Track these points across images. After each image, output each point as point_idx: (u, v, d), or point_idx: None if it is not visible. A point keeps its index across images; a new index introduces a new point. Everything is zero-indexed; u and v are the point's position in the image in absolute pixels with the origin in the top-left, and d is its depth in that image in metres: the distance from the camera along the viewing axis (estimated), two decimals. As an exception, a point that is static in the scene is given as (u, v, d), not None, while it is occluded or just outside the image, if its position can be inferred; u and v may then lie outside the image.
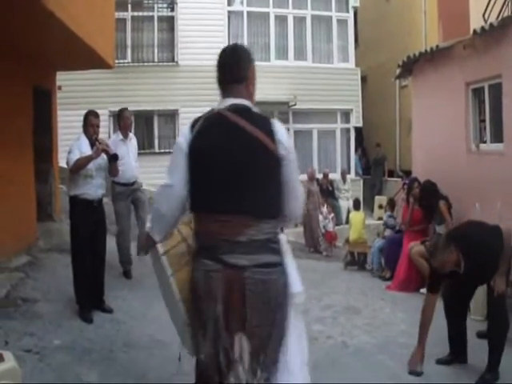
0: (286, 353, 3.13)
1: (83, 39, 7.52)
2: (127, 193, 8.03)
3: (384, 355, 5.91)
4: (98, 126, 6.60)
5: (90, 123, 6.51)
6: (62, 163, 7.82)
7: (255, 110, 3.32)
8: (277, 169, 3.10)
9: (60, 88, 12.46)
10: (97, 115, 6.64)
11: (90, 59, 9.08)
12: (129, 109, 16.21)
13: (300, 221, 12.66)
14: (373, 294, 8.62)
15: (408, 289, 8.80)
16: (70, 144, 6.52)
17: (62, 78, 12.25)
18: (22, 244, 8.10)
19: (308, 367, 3.29)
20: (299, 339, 3.24)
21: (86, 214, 6.40)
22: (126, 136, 8.11)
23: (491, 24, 8.25)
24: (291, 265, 3.19)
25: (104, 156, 6.46)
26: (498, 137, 8.44)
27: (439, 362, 5.83)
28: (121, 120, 8.18)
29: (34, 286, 6.98)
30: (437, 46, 9.87)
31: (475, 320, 7.10)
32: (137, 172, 8.20)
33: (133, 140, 8.35)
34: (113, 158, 6.53)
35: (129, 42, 17.53)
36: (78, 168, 6.28)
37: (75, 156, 6.30)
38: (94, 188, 6.47)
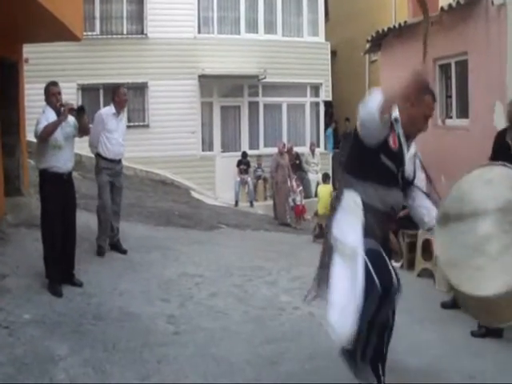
0: None
1: (50, 11, 7.38)
2: (111, 171, 7.95)
3: (351, 325, 6.00)
4: (59, 94, 6.53)
5: (51, 93, 6.46)
6: (30, 137, 7.74)
7: None
8: None
9: (27, 61, 12.28)
10: (56, 84, 6.58)
11: (57, 31, 8.93)
12: (97, 81, 16.33)
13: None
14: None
15: (375, 260, 8.92)
16: (37, 117, 6.46)
17: (29, 50, 12.06)
18: (-10, 219, 8.05)
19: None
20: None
21: (55, 188, 6.39)
22: (119, 112, 8.03)
23: (458, 2, 8.33)
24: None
25: (71, 122, 6.45)
26: (463, 112, 8.57)
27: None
28: (116, 96, 8.07)
29: (2, 261, 6.94)
30: (405, 22, 9.93)
31: (439, 291, 7.28)
32: (123, 150, 8.14)
33: (123, 119, 8.32)
34: (80, 110, 6.49)
35: (97, 14, 17.25)
36: (46, 134, 6.22)
37: (43, 125, 6.26)
38: (63, 161, 6.44)
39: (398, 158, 3.93)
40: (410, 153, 4.04)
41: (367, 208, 3.87)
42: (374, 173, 3.89)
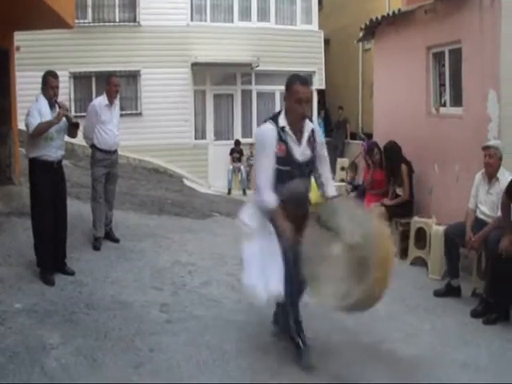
0: None
1: (41, -3, 7.32)
2: (107, 162, 7.87)
3: (343, 314, 5.97)
4: (57, 88, 6.47)
5: (49, 85, 6.38)
6: (22, 125, 7.67)
7: None
8: None
9: (18, 49, 12.18)
10: (56, 76, 6.49)
11: (49, 19, 8.83)
12: (89, 69, 16.24)
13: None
14: (333, 255, 8.72)
15: (368, 249, 8.92)
16: (29, 106, 6.39)
17: (21, 38, 11.96)
18: (-19, 207, 8.00)
19: None
20: None
21: (46, 176, 6.35)
22: (111, 102, 7.92)
23: (452, -11, 8.29)
24: None
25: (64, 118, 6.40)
26: (457, 101, 8.55)
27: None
28: (108, 85, 7.99)
29: (-7, 250, 6.94)
30: (399, 10, 9.87)
31: (432, 279, 7.28)
32: (118, 140, 8.06)
33: (117, 107, 8.19)
34: (74, 126, 6.48)
35: (89, 2, 17.07)
36: (39, 133, 6.20)
37: (35, 120, 6.20)
38: (54, 149, 6.40)
39: (288, 158, 4.68)
40: (305, 139, 4.73)
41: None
42: (278, 176, 4.68)
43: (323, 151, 4.93)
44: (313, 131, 4.81)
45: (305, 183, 4.86)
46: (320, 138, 4.91)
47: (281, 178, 4.67)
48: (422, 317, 5.99)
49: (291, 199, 4.72)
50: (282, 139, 4.66)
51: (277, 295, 4.51)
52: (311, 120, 4.88)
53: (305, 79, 4.77)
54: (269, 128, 4.71)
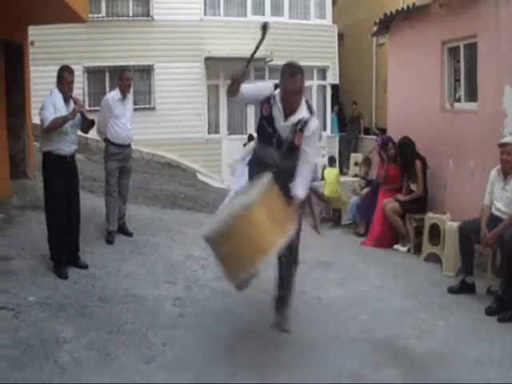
0: None
1: (55, -9, 7.34)
2: (120, 156, 7.87)
3: (357, 309, 5.99)
4: (72, 83, 6.47)
5: (65, 80, 6.37)
6: (36, 120, 7.69)
7: None
8: None
9: (33, 43, 12.23)
10: (71, 71, 6.49)
11: (62, 13, 8.85)
12: (103, 64, 16.27)
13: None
14: (347, 250, 8.71)
15: (382, 244, 8.92)
16: (43, 100, 6.38)
17: (35, 32, 12.00)
18: (-5, 201, 8.03)
19: None
20: None
21: (59, 169, 6.36)
22: (124, 96, 7.91)
23: (467, -17, 8.22)
24: None
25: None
26: (472, 96, 8.48)
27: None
28: (120, 80, 7.99)
29: (8, 243, 6.94)
30: (413, 4, 9.80)
31: (446, 276, 7.24)
32: (131, 134, 8.06)
33: (130, 101, 8.19)
34: (90, 124, 6.51)
35: (103, -4, 17.12)
36: (54, 128, 6.20)
37: (50, 113, 6.19)
38: (67, 144, 6.41)
39: (270, 121, 5.01)
40: (291, 122, 4.95)
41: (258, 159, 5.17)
42: (259, 134, 5.22)
43: (306, 147, 4.99)
44: (305, 122, 4.95)
45: (276, 157, 5.04)
46: (309, 132, 4.97)
47: (263, 136, 5.13)
48: (435, 313, 5.95)
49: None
50: (269, 102, 5.01)
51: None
52: (311, 110, 5.05)
53: (295, 69, 4.93)
54: (269, 84, 5.19)
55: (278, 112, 4.98)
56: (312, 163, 5.14)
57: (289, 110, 4.96)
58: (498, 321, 5.77)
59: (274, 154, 5.05)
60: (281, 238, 4.37)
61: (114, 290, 6.10)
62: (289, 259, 5.25)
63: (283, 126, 4.98)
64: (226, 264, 4.56)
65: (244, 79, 5.03)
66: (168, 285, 6.39)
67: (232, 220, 4.32)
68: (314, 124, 5.02)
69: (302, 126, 4.96)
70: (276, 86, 5.04)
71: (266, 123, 5.07)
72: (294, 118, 4.95)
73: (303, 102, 5.01)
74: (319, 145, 5.12)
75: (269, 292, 5.89)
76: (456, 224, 7.21)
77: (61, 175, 6.38)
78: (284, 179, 4.86)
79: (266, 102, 5.04)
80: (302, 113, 4.96)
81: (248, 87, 5.08)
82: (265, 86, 5.16)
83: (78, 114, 6.36)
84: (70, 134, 6.41)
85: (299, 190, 4.91)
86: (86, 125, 6.53)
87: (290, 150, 5.02)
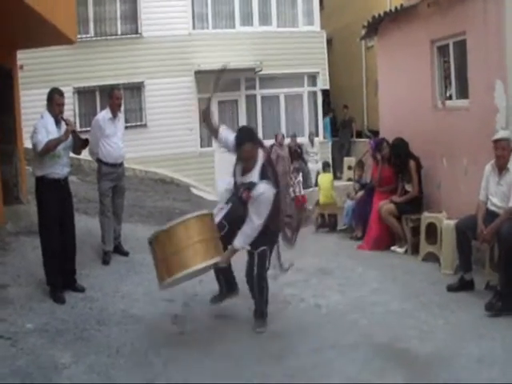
0: None
1: (43, 14, 7.28)
2: (113, 175, 7.85)
3: (357, 314, 5.96)
4: (63, 105, 6.47)
5: (55, 102, 6.37)
6: (28, 144, 7.67)
7: None
8: None
9: (22, 67, 12.24)
10: (61, 93, 6.49)
11: (50, 35, 8.84)
12: (93, 84, 16.27)
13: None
14: (344, 255, 8.68)
15: (379, 247, 8.89)
16: (35, 124, 6.38)
17: (24, 56, 12.03)
18: (-11, 229, 7.99)
19: None
20: None
21: (53, 193, 6.34)
22: (115, 115, 7.90)
23: (455, -20, 8.22)
24: None
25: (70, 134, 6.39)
26: (463, 93, 8.47)
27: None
28: (110, 99, 7.97)
29: (3, 271, 6.89)
30: (401, 5, 9.80)
31: (445, 274, 7.21)
32: (123, 152, 8.04)
33: (121, 120, 8.19)
34: (83, 143, 6.51)
35: (91, 16, 17.07)
36: (47, 151, 6.18)
37: (43, 137, 6.18)
38: (60, 167, 6.40)
39: (234, 170, 5.66)
40: (245, 180, 5.45)
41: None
42: None
43: (252, 208, 5.31)
44: (253, 184, 5.30)
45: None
46: (256, 195, 5.26)
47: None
48: (435, 313, 5.91)
49: None
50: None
51: None
52: (264, 175, 5.33)
53: (242, 139, 5.35)
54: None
55: (239, 166, 5.54)
56: (255, 225, 5.30)
57: (246, 169, 5.43)
58: (493, 315, 5.73)
59: (236, 200, 5.57)
60: (204, 262, 5.16)
61: (111, 311, 6.07)
62: (249, 275, 5.60)
63: (239, 180, 5.50)
64: (156, 265, 5.32)
65: (209, 113, 5.74)
66: (166, 303, 6.36)
67: (167, 227, 5.24)
68: (261, 188, 5.26)
69: (251, 186, 5.30)
70: None
71: (233, 170, 5.62)
72: (246, 178, 5.40)
73: (258, 166, 5.36)
74: (265, 211, 5.37)
75: (270, 303, 5.91)
76: (452, 222, 7.18)
77: (55, 199, 6.35)
78: (236, 222, 5.42)
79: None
80: (254, 176, 5.34)
81: (224, 135, 5.70)
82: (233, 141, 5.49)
83: (70, 136, 6.35)
84: (63, 156, 6.40)
85: (236, 241, 5.33)
86: (80, 145, 6.51)
87: (242, 203, 5.41)
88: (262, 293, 5.62)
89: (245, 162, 5.41)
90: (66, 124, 6.34)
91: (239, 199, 5.46)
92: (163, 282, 5.21)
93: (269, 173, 5.38)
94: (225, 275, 5.89)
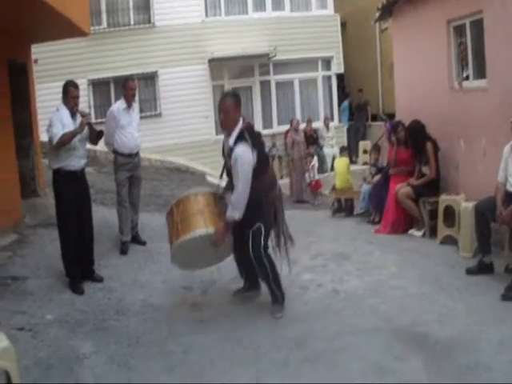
0: None
1: (56, 7, 7.31)
2: (129, 166, 7.87)
3: (376, 299, 5.93)
4: (78, 97, 6.47)
5: (70, 95, 6.37)
6: (44, 137, 7.70)
7: None
8: None
9: (36, 61, 12.30)
10: (76, 86, 6.50)
11: (64, 28, 8.86)
12: (107, 75, 16.30)
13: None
14: (362, 239, 8.63)
15: (397, 231, 8.84)
16: (50, 117, 6.39)
17: (38, 50, 12.09)
18: (8, 222, 8.04)
19: None
20: None
21: (70, 185, 6.36)
22: (129, 106, 7.89)
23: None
24: None
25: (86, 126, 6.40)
26: (480, 74, 8.35)
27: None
28: (124, 90, 7.96)
29: (22, 263, 6.96)
30: (416, -14, 9.70)
31: (464, 257, 7.14)
32: (139, 142, 8.05)
33: (136, 110, 8.17)
34: (99, 135, 6.50)
35: (103, 7, 17.14)
36: (63, 144, 6.19)
37: (58, 130, 6.19)
38: (76, 159, 6.41)
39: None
40: (227, 146, 5.51)
41: None
42: None
43: (233, 175, 5.43)
44: (231, 148, 5.39)
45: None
46: (233, 159, 5.33)
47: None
48: (455, 296, 5.86)
49: None
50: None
51: None
52: (241, 139, 5.37)
53: (225, 94, 5.83)
54: None
55: (225, 137, 5.66)
56: (239, 191, 5.32)
57: (226, 133, 5.60)
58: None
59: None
60: (210, 228, 5.35)
61: (130, 301, 6.10)
62: (247, 258, 5.61)
63: (226, 149, 5.60)
64: (168, 228, 5.66)
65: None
66: (184, 291, 6.38)
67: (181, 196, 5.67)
68: (237, 151, 5.32)
69: (230, 152, 5.39)
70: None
71: (222, 147, 5.81)
72: (227, 143, 5.52)
73: (236, 130, 5.45)
74: (245, 174, 5.39)
75: (288, 288, 5.89)
76: (471, 204, 7.10)
77: (72, 191, 6.37)
78: None
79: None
80: (231, 141, 5.44)
81: None
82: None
83: (86, 128, 6.36)
84: (79, 148, 6.41)
85: (228, 212, 5.38)
86: (95, 136, 6.51)
87: (231, 176, 5.53)
88: (267, 274, 5.61)
89: (222, 117, 5.53)
90: (82, 116, 6.35)
91: (229, 174, 5.60)
92: (172, 245, 5.48)
93: (246, 135, 5.40)
94: (246, 270, 5.96)
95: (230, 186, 5.58)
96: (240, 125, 5.48)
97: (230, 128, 5.49)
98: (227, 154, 5.50)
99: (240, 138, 5.38)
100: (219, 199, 5.67)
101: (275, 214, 5.73)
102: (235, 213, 5.33)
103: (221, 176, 5.93)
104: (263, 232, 5.51)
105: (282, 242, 5.84)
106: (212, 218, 5.44)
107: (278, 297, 5.69)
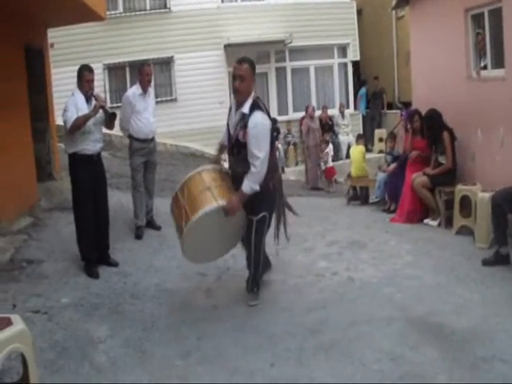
0: None
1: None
2: (144, 151, 7.89)
3: (391, 288, 5.90)
4: (92, 81, 6.48)
5: (85, 79, 6.38)
6: (59, 121, 7.72)
7: None
8: None
9: (52, 46, 12.31)
10: (91, 70, 6.50)
11: (80, 12, 8.87)
12: (123, 60, 16.29)
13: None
14: (377, 228, 8.60)
15: (412, 220, 8.79)
16: (66, 101, 6.39)
17: (54, 35, 12.10)
18: (24, 205, 8.10)
19: None
20: None
21: (86, 169, 6.38)
22: (145, 91, 7.89)
23: None
24: None
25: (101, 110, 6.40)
26: (498, 63, 8.27)
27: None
28: (140, 75, 7.94)
29: (38, 246, 7.01)
30: (435, -27, 9.60)
31: (480, 248, 7.09)
32: (154, 127, 8.06)
33: (151, 95, 8.16)
34: (112, 117, 6.47)
35: (119, -9, 17.13)
36: (77, 127, 6.20)
37: (72, 114, 6.19)
38: (92, 143, 6.41)
39: (227, 125, 5.53)
40: (238, 116, 5.29)
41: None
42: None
43: (251, 146, 5.11)
44: (244, 115, 5.18)
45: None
46: (251, 128, 5.10)
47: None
48: (471, 287, 5.82)
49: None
50: (230, 109, 5.57)
51: None
52: (256, 107, 5.18)
53: (242, 58, 5.34)
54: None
55: (232, 109, 5.42)
56: (259, 162, 5.11)
57: (238, 103, 5.28)
58: None
59: (232, 161, 5.54)
60: (220, 201, 5.11)
61: (145, 285, 6.13)
62: (247, 243, 5.54)
63: (233, 121, 5.35)
64: (176, 219, 5.49)
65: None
66: (199, 276, 6.38)
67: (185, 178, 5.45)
68: (256, 118, 5.11)
69: (245, 121, 5.13)
70: None
71: (226, 130, 5.59)
72: (239, 112, 5.24)
73: (250, 99, 5.22)
74: (265, 143, 5.19)
75: (303, 276, 5.88)
76: (487, 195, 7.04)
77: (88, 175, 6.40)
78: (237, 183, 5.29)
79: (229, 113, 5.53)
80: (246, 108, 5.18)
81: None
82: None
83: (102, 112, 6.36)
84: (94, 132, 6.41)
85: (244, 186, 5.14)
86: (108, 118, 6.48)
87: (239, 150, 5.27)
88: (259, 262, 5.55)
89: (238, 84, 5.21)
90: (96, 99, 6.35)
91: (236, 148, 5.36)
92: (182, 234, 5.22)
93: (261, 104, 5.27)
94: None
95: (236, 164, 5.44)
96: (253, 94, 5.30)
97: (244, 96, 5.22)
98: (238, 123, 5.26)
99: (255, 106, 5.20)
100: (225, 174, 5.52)
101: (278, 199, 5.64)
102: (255, 185, 5.14)
103: (231, 152, 5.51)
104: (267, 221, 5.44)
105: (282, 222, 5.79)
106: (221, 192, 5.23)
107: (257, 285, 5.68)
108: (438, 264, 6.60)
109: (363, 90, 20.00)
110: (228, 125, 5.50)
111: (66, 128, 6.29)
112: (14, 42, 8.47)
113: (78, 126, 6.20)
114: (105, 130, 6.77)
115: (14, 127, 8.11)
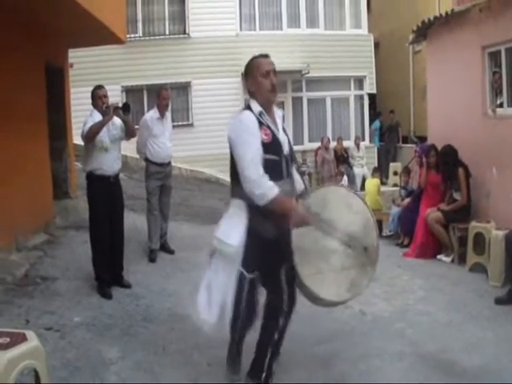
0: None
1: (94, 15, 7.46)
2: (161, 175, 7.96)
3: (403, 323, 5.89)
4: (105, 96, 6.53)
5: (97, 96, 6.47)
6: (77, 140, 7.80)
7: None
8: None
9: (72, 66, 12.45)
10: (101, 87, 6.60)
11: (101, 35, 9.04)
12: (141, 83, 16.45)
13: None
14: (390, 262, 8.56)
15: (425, 255, 8.78)
16: (84, 120, 6.47)
17: (74, 55, 12.23)
18: (40, 222, 8.15)
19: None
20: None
21: (103, 190, 6.42)
22: (162, 115, 7.98)
23: (506, -14, 8.08)
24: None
25: (118, 125, 6.45)
26: (515, 101, 8.33)
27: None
28: (158, 99, 8.03)
29: (52, 264, 7.05)
30: (452, 10, 9.68)
31: (493, 286, 7.07)
32: (171, 152, 8.12)
33: (169, 119, 8.24)
34: (125, 106, 6.48)
35: (139, 16, 17.40)
36: (92, 134, 6.20)
37: (90, 126, 6.26)
38: (109, 162, 6.44)
39: (276, 146, 4.04)
40: (280, 123, 4.20)
41: (254, 208, 3.94)
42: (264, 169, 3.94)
43: (291, 145, 4.30)
44: (283, 118, 4.29)
45: (291, 184, 4.21)
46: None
47: (267, 171, 3.89)
48: (483, 325, 5.81)
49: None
50: (263, 123, 3.99)
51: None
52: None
53: (265, 54, 4.22)
54: (247, 114, 4.02)
55: (272, 125, 4.08)
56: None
57: (271, 111, 4.15)
58: None
59: (288, 187, 4.10)
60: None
61: (158, 309, 6.13)
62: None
63: (281, 137, 4.13)
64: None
65: None
66: (211, 303, 6.36)
67: None
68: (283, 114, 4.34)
69: (282, 123, 4.26)
70: (247, 108, 4.13)
71: (268, 151, 3.96)
72: (278, 121, 4.20)
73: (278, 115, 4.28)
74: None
75: (315, 308, 5.84)
76: (501, 233, 7.05)
77: (105, 197, 6.43)
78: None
79: (262, 127, 3.99)
80: (275, 109, 4.24)
81: (258, 150, 3.95)
82: (251, 121, 4.01)
83: (118, 128, 6.42)
84: (111, 149, 6.43)
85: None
86: (126, 119, 6.46)
87: (290, 157, 4.27)
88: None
89: (272, 80, 4.05)
90: (108, 107, 6.36)
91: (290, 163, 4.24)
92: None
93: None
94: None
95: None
96: None
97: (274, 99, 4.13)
98: (281, 126, 4.23)
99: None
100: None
101: None
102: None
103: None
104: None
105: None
106: None
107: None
108: (451, 300, 6.59)
109: (377, 123, 20.06)
110: (273, 141, 4.03)
111: (83, 139, 6.34)
112: (35, 58, 8.62)
113: (94, 132, 6.21)
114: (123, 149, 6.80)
115: (32, 144, 8.21)
